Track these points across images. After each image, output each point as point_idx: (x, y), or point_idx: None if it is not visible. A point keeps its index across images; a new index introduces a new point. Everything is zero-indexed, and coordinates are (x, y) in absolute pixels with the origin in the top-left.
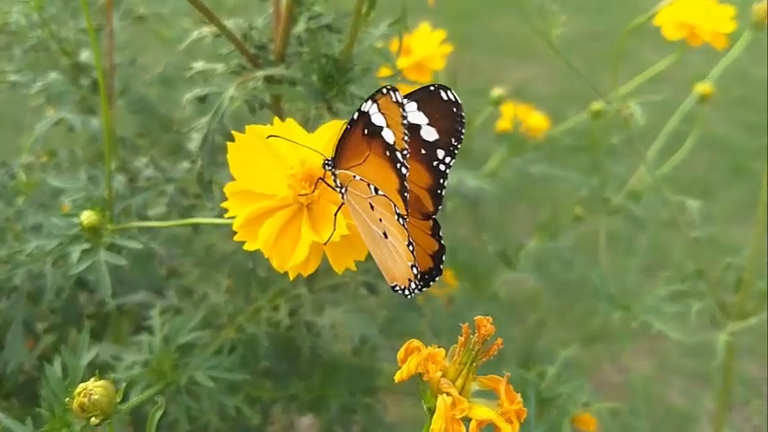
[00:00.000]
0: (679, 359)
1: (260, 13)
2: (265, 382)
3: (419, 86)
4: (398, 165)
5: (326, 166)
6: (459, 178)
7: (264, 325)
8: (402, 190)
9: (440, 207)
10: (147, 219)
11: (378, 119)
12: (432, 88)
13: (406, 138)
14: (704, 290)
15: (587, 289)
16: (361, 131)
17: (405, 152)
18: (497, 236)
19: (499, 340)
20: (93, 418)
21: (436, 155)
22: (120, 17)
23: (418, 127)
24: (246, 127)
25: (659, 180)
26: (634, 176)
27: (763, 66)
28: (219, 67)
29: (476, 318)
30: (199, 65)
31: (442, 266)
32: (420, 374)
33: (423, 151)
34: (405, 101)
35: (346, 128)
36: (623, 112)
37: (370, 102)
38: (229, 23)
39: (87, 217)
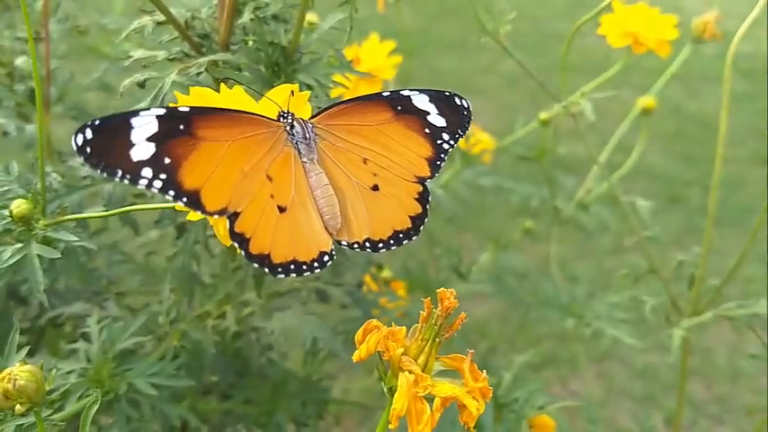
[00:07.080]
0: (627, 382)
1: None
2: (211, 396)
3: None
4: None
5: (282, 117)
6: None
7: (211, 333)
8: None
9: (436, 174)
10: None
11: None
12: (447, 93)
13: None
14: (658, 289)
15: (539, 300)
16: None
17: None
18: (449, 250)
19: (463, 314)
20: (18, 407)
21: (441, 136)
22: (56, 22)
23: (426, 113)
24: (191, 88)
25: (612, 184)
26: (582, 187)
27: (696, 100)
28: (160, 54)
29: (438, 290)
30: (138, 53)
31: (421, 229)
32: (380, 354)
33: (427, 130)
34: (417, 93)
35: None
36: (572, 109)
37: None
38: (172, 12)
39: (18, 206)
